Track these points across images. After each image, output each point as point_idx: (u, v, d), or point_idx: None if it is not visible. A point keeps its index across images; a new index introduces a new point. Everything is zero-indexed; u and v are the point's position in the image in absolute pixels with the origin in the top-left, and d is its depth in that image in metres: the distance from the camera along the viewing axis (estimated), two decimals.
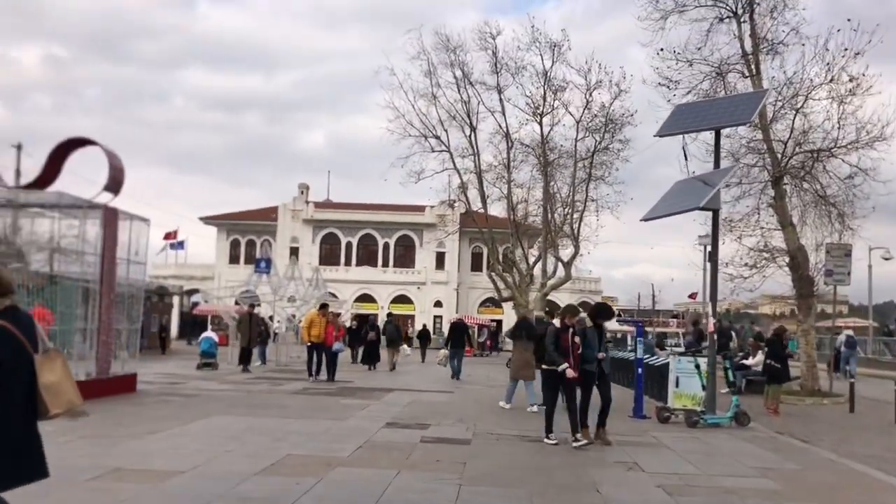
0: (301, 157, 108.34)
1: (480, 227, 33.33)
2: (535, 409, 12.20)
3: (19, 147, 33.08)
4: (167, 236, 55.82)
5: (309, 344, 17.16)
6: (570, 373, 9.05)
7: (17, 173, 28.42)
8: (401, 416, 11.59)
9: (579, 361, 9.31)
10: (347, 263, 59.02)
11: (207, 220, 59.57)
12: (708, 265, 16.43)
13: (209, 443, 8.45)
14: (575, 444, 8.98)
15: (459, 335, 20.70)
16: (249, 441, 8.67)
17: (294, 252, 53.02)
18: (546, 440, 9.25)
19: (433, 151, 31.92)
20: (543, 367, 9.38)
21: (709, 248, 14.79)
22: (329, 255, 58.77)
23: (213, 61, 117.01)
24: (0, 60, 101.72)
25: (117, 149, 12.08)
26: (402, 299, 59.08)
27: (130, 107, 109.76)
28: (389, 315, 28.72)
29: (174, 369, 20.11)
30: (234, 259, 59.72)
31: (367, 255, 59.84)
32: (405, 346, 24.88)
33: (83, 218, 11.75)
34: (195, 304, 54.09)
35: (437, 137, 31.84)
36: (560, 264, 32.36)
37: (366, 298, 57.66)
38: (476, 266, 59.94)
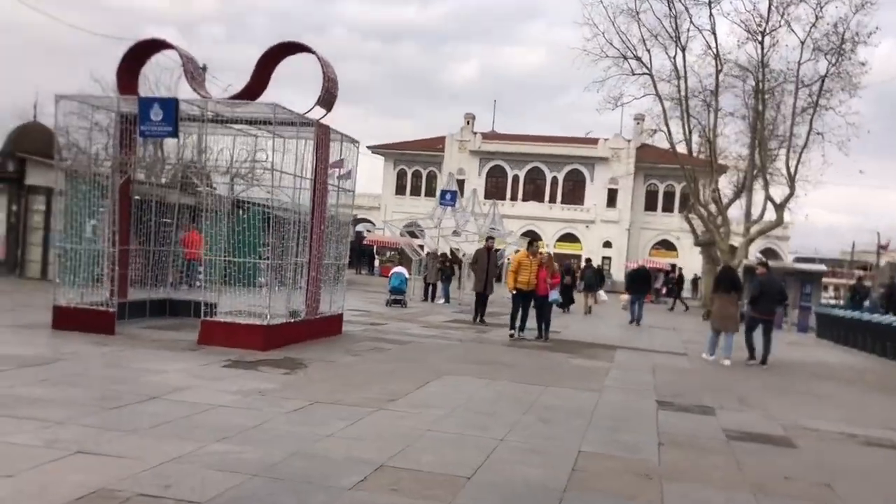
0: (455, 89, 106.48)
1: (682, 163, 29.83)
2: (727, 362, 12.44)
3: (204, 68, 32.92)
4: (332, 165, 55.93)
5: (514, 292, 14.10)
6: None
7: None
8: (662, 390, 9.37)
9: None
10: (514, 198, 56.73)
11: (375, 148, 59.21)
12: None
13: (467, 422, 6.64)
14: None
15: (642, 281, 20.66)
16: (510, 419, 6.80)
17: (460, 184, 51.39)
18: None
19: (633, 74, 28.63)
20: None
21: None
22: (495, 188, 56.62)
23: None
24: None
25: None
26: (568, 237, 56.42)
27: (294, 37, 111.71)
28: (588, 260, 26.50)
29: (362, 304, 18.93)
30: (400, 189, 59.27)
31: (535, 189, 57.29)
32: (602, 291, 22.60)
33: (295, 136, 10.15)
34: (360, 234, 54.21)
35: (639, 59, 28.46)
36: (771, 205, 28.40)
37: (531, 236, 55.42)
38: (650, 205, 55.96)
